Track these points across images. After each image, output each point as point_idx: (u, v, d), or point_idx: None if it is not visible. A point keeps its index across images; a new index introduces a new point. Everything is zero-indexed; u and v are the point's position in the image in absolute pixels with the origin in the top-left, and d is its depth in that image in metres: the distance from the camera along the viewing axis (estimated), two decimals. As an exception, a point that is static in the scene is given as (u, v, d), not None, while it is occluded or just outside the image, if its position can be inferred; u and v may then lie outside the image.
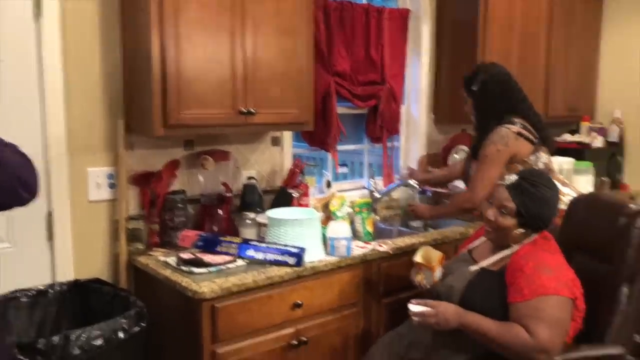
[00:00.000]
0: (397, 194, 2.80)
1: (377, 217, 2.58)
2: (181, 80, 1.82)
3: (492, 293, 1.63)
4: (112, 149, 1.98)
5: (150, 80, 1.78)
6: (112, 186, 1.98)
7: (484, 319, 1.57)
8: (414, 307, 1.60)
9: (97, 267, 1.99)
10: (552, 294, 1.54)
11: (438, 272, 1.73)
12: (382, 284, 2.12)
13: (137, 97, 1.89)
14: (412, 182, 2.59)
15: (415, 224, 2.59)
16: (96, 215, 1.97)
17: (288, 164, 2.43)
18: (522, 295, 1.55)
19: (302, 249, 1.88)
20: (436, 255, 1.78)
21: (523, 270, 1.58)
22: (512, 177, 1.66)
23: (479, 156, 2.14)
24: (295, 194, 2.25)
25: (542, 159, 2.14)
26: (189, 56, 1.83)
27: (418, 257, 1.77)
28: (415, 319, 1.59)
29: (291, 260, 1.85)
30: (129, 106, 1.95)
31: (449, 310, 1.59)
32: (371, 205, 2.39)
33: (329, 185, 2.58)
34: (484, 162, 2.10)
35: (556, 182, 2.19)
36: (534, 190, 1.62)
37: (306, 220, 1.92)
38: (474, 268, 1.71)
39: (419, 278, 1.74)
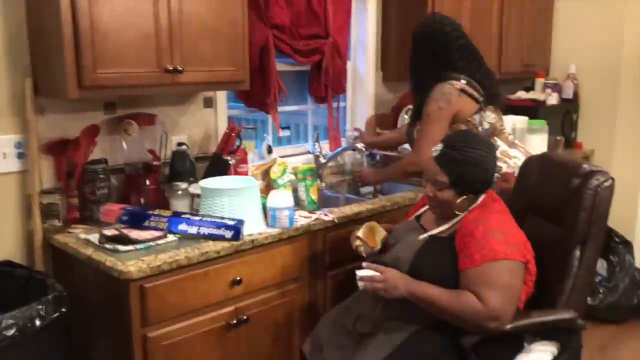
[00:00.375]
0: (344, 159, 2.79)
1: (323, 184, 2.58)
2: (96, 34, 1.73)
3: (443, 261, 1.65)
4: (19, 114, 1.89)
5: (60, 35, 1.69)
6: (21, 156, 1.91)
7: (434, 288, 1.59)
8: (362, 272, 1.61)
9: (7, 249, 1.92)
10: (503, 258, 1.56)
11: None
12: (328, 255, 2.12)
13: (47, 55, 1.80)
14: (359, 145, 2.58)
15: (365, 190, 2.59)
16: (3, 189, 1.90)
17: (223, 127, 2.39)
18: (473, 260, 1.57)
19: (240, 221, 1.85)
20: (380, 235, 1.80)
21: (473, 234, 1.61)
22: (438, 148, 1.67)
23: (422, 115, 2.15)
24: (231, 161, 2.22)
25: (488, 118, 2.15)
26: (105, 7, 1.75)
27: (360, 233, 1.79)
28: (361, 283, 1.60)
29: (228, 233, 1.82)
30: (37, 66, 1.86)
31: (398, 277, 1.61)
32: (316, 172, 2.40)
33: (269, 150, 2.57)
34: (426, 122, 2.11)
35: (501, 143, 2.21)
36: (461, 156, 1.63)
37: (244, 189, 1.89)
38: (422, 237, 1.73)
39: (357, 243, 1.77)
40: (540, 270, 1.69)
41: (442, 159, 1.67)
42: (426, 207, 1.88)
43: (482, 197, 1.71)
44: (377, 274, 1.63)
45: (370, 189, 2.60)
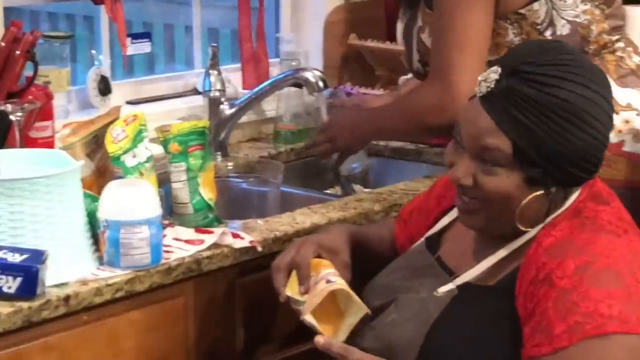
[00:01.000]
0: (279, 105, 2.94)
1: (229, 165, 2.63)
2: None
3: (488, 341, 1.70)
4: None
5: None
6: None
7: None
8: (328, 340, 1.76)
9: None
10: (615, 332, 1.59)
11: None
12: (242, 326, 2.17)
13: None
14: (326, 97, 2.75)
15: (348, 166, 2.72)
16: None
17: None
18: (551, 339, 1.60)
19: (37, 255, 1.85)
20: (345, 299, 1.88)
21: (553, 281, 1.63)
22: (491, 74, 1.70)
23: None
24: (15, 115, 2.20)
25: (568, 9, 2.27)
26: None
27: (290, 288, 1.94)
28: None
29: (9, 284, 1.83)
30: None
31: None
32: (213, 136, 2.60)
33: (104, 88, 2.62)
34: (449, 6, 2.23)
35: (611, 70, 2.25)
36: (546, 98, 1.66)
37: (46, 180, 1.90)
38: (445, 289, 1.78)
39: (289, 294, 1.94)
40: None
41: (498, 99, 1.68)
42: (451, 215, 1.92)
43: (575, 195, 1.75)
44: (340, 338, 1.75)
45: (355, 161, 2.76)
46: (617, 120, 2.14)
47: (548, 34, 2.23)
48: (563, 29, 2.24)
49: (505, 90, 1.67)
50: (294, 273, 1.93)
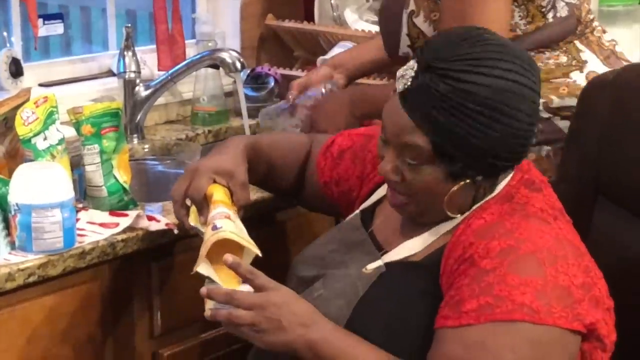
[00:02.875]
0: (198, 85, 2.93)
1: (145, 148, 2.63)
2: None
3: (411, 313, 1.72)
4: None
5: None
6: None
7: (369, 349, 1.69)
8: (212, 285, 1.75)
9: None
10: (528, 320, 1.60)
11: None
12: (159, 310, 2.17)
13: None
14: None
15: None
16: None
17: None
18: (460, 314, 1.63)
19: None
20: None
21: (475, 260, 1.66)
22: (407, 70, 1.71)
23: None
24: None
25: None
26: None
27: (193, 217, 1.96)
28: (209, 307, 1.72)
29: None
30: None
31: (294, 305, 1.71)
32: (127, 119, 2.60)
33: (15, 70, 2.62)
34: None
35: (588, 54, 2.27)
36: (459, 93, 1.66)
37: None
38: (373, 265, 1.79)
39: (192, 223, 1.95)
40: (628, 309, 1.76)
41: (415, 98, 1.68)
42: (384, 189, 1.92)
43: (507, 180, 1.77)
44: (248, 289, 1.71)
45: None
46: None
47: (550, 16, 2.24)
48: (562, 11, 2.24)
49: (420, 88, 1.68)
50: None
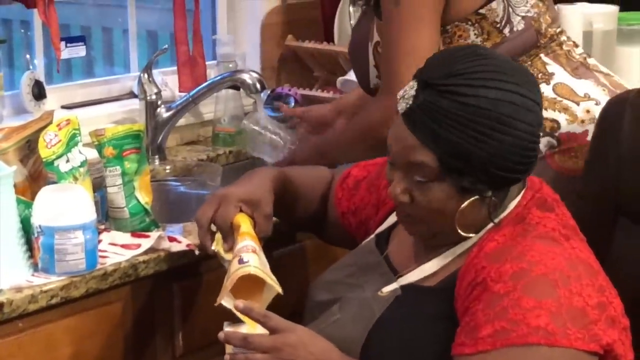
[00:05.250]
0: (218, 106, 2.94)
1: (166, 169, 2.65)
2: None
3: (426, 338, 1.71)
4: None
5: None
6: None
7: None
8: (229, 328, 1.76)
9: None
10: (544, 343, 1.59)
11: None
12: (180, 329, 2.17)
13: None
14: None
15: None
16: None
17: None
18: (476, 340, 1.62)
19: None
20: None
21: (488, 284, 1.65)
22: (408, 90, 1.72)
23: (381, 5, 2.26)
24: None
25: (522, 6, 2.27)
26: None
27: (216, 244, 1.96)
28: (227, 357, 1.71)
29: None
30: None
31: (313, 347, 1.70)
32: (149, 140, 2.60)
33: (40, 93, 2.61)
34: (397, 18, 2.22)
35: (555, 67, 2.25)
36: (461, 107, 1.67)
37: None
38: (389, 288, 1.79)
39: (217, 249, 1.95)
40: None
41: (418, 116, 1.68)
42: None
43: (518, 199, 1.76)
44: (263, 332, 1.70)
45: None
46: (579, 111, 2.19)
47: (506, 31, 2.24)
48: (519, 25, 2.25)
49: (422, 106, 1.68)
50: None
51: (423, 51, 2.14)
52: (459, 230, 1.71)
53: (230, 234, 1.91)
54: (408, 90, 1.70)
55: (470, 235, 1.73)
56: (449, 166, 1.67)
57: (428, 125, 1.67)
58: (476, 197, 1.70)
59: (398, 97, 1.72)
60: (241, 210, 1.93)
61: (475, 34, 2.22)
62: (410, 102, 1.68)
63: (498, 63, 1.71)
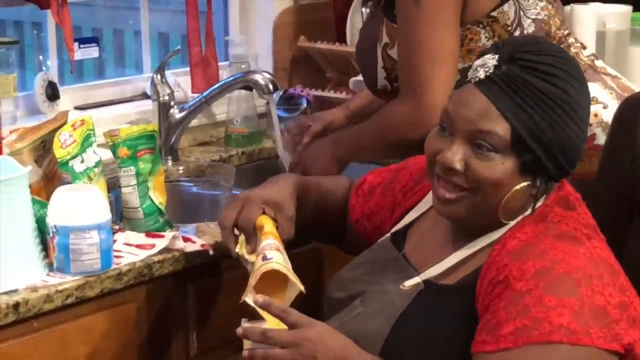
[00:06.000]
0: (231, 107, 2.94)
1: (179, 169, 2.65)
2: None
3: (447, 335, 1.71)
4: None
5: None
6: None
7: None
8: (249, 323, 1.75)
9: None
10: (566, 342, 1.59)
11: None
12: (195, 328, 2.18)
13: None
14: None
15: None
16: None
17: None
18: (498, 338, 1.62)
19: None
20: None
21: (510, 282, 1.64)
22: (488, 60, 1.70)
23: (397, 6, 2.26)
24: None
25: (532, 8, 2.27)
26: None
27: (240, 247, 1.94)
28: (245, 353, 1.70)
29: None
30: None
31: (329, 340, 1.69)
32: (162, 141, 2.59)
33: (53, 94, 2.60)
34: (415, 19, 2.22)
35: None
36: (548, 85, 1.67)
37: None
38: (410, 282, 1.77)
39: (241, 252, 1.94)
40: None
41: (499, 85, 1.68)
42: (418, 210, 1.92)
43: (546, 197, 1.75)
44: (282, 328, 1.70)
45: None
46: (593, 114, 2.18)
47: (517, 34, 2.26)
48: (529, 28, 2.26)
49: (504, 76, 1.67)
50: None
51: (445, 52, 2.15)
52: (500, 214, 1.71)
53: (253, 235, 1.91)
54: (488, 61, 1.70)
55: (505, 221, 1.72)
56: (520, 140, 1.67)
57: (508, 95, 1.67)
58: (529, 182, 1.70)
59: (473, 66, 1.72)
60: (264, 213, 1.94)
61: (486, 37, 2.22)
62: (491, 71, 1.68)
63: (570, 58, 1.74)
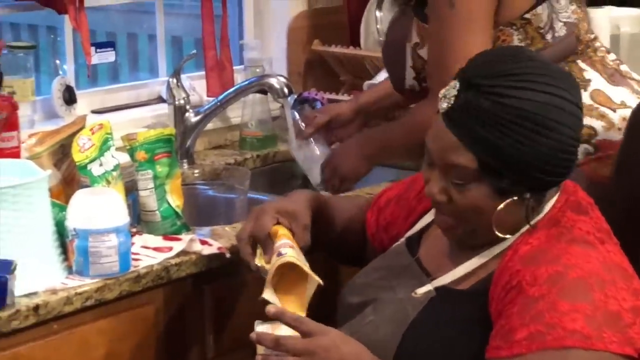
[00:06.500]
0: (245, 110, 2.95)
1: (195, 172, 2.64)
2: None
3: (460, 341, 1.70)
4: None
5: None
6: None
7: None
8: (263, 327, 1.73)
9: None
10: (580, 346, 1.58)
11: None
12: (212, 331, 2.18)
13: None
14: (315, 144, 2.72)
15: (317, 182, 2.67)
16: None
17: None
18: (512, 343, 1.61)
19: (7, 266, 1.84)
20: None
21: (523, 288, 1.64)
22: (450, 90, 1.71)
23: (430, 6, 2.23)
24: None
25: (564, 13, 2.26)
26: None
27: (259, 259, 1.93)
28: (259, 358, 1.70)
29: None
30: None
31: (346, 349, 1.68)
32: (178, 144, 2.59)
33: (70, 98, 2.61)
34: (446, 20, 2.22)
35: (592, 73, 2.25)
36: (503, 108, 1.66)
37: (15, 190, 1.90)
38: (423, 290, 1.77)
39: (260, 264, 1.93)
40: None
41: (458, 116, 1.67)
42: (432, 214, 1.89)
43: (553, 201, 1.74)
44: (295, 334, 1.69)
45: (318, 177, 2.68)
46: (615, 118, 2.19)
47: (549, 37, 2.24)
48: (561, 31, 2.25)
49: (464, 105, 1.66)
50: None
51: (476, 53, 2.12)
52: (496, 231, 1.70)
53: (269, 244, 1.91)
54: (450, 90, 1.69)
55: (507, 236, 1.72)
56: (488, 167, 1.66)
57: (468, 126, 1.66)
58: (514, 198, 1.68)
59: (439, 96, 1.71)
60: (279, 223, 1.94)
61: (519, 39, 2.22)
62: (452, 102, 1.67)
63: (543, 65, 1.70)
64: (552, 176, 1.69)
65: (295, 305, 1.81)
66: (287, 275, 1.82)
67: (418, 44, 2.34)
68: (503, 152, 1.65)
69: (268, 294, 1.80)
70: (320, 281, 1.81)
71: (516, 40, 2.22)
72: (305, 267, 1.81)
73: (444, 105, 1.69)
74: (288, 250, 1.84)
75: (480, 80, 1.66)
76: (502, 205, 1.68)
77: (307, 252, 1.91)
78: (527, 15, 2.21)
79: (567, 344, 1.57)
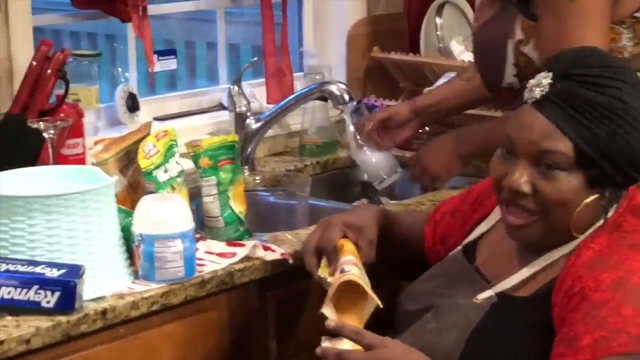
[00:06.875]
0: (305, 117, 2.94)
1: (257, 179, 2.64)
2: None
3: (524, 349, 1.69)
4: None
5: None
6: None
7: None
8: (328, 342, 1.73)
9: None
10: (635, 352, 1.58)
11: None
12: (275, 338, 2.18)
13: None
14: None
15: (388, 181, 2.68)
16: None
17: (25, 53, 2.43)
18: (577, 350, 1.59)
19: (74, 270, 1.85)
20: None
21: (586, 294, 1.63)
22: (542, 79, 1.69)
23: (544, 1, 2.18)
24: (48, 132, 2.21)
25: None
26: None
27: (322, 270, 1.95)
28: None
29: (47, 298, 1.82)
30: None
31: (407, 359, 1.68)
32: (241, 150, 2.53)
33: (133, 105, 2.65)
34: (571, 15, 2.13)
35: None
36: (604, 97, 1.66)
37: (80, 196, 1.90)
38: (484, 295, 1.77)
39: (322, 274, 1.94)
40: None
41: (556, 104, 1.66)
42: (489, 222, 1.91)
43: (615, 206, 1.74)
44: (357, 348, 1.68)
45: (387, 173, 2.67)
46: None
47: None
48: None
49: (561, 94, 1.66)
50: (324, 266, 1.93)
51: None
52: (572, 228, 1.69)
53: (334, 256, 1.91)
54: (543, 80, 1.69)
55: (578, 235, 1.71)
56: (584, 155, 1.65)
57: (566, 112, 1.66)
58: (597, 195, 1.68)
59: (528, 86, 1.71)
60: (345, 236, 1.94)
61: (627, 38, 2.19)
62: (547, 90, 1.67)
63: (625, 66, 1.72)
64: (636, 172, 1.69)
65: (353, 323, 1.81)
66: (348, 292, 1.82)
67: (522, 40, 2.32)
68: (600, 140, 1.64)
69: (327, 310, 1.81)
70: (380, 303, 1.80)
71: (624, 38, 2.19)
72: (367, 287, 1.81)
73: (537, 93, 1.69)
74: (352, 267, 1.84)
75: (576, 70, 1.66)
76: (587, 200, 1.66)
77: (371, 267, 1.92)
78: (638, 14, 2.18)
79: (631, 350, 1.56)
